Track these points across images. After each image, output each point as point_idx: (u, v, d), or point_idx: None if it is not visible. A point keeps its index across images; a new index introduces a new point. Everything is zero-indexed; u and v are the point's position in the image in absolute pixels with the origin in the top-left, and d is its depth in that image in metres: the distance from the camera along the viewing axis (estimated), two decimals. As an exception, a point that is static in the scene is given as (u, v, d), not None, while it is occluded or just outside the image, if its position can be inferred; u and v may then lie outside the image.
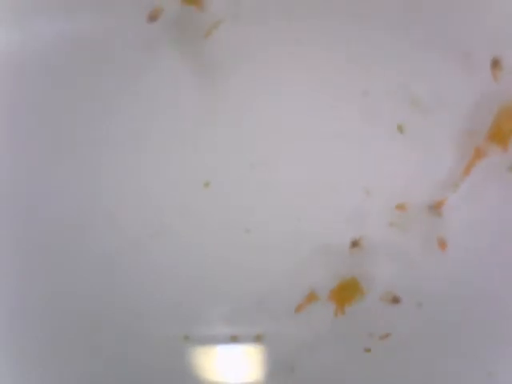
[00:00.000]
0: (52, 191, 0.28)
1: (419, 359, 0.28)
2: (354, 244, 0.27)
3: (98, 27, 0.28)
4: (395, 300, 0.27)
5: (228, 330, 0.28)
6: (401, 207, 0.27)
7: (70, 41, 0.28)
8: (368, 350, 0.27)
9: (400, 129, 0.27)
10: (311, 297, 0.27)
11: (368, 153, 0.27)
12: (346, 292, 0.27)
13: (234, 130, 0.28)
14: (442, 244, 0.27)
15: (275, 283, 0.27)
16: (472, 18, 0.27)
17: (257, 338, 0.28)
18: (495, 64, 0.27)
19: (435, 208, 0.27)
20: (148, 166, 0.28)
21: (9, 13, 0.28)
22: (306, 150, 0.28)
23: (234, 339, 0.28)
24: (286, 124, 0.28)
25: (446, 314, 0.27)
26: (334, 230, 0.27)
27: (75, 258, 0.27)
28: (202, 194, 0.27)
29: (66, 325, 0.27)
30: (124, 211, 0.28)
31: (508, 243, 0.27)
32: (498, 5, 0.27)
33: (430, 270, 0.27)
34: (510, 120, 0.27)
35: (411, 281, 0.27)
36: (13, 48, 0.28)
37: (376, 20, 0.27)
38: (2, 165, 0.28)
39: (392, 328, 0.27)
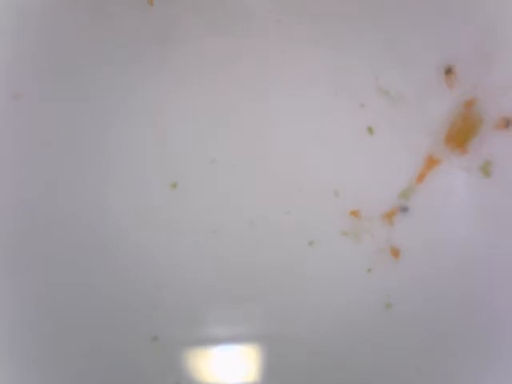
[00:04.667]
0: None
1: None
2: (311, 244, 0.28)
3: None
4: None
5: (224, 330, 0.28)
6: (355, 214, 0.28)
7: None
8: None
9: (370, 131, 0.28)
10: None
11: (336, 153, 0.28)
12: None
13: (200, 129, 0.28)
14: (395, 252, 0.28)
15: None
16: (426, 25, 0.28)
17: (254, 339, 0.28)
18: (448, 71, 0.27)
19: (388, 216, 0.28)
20: (114, 169, 0.28)
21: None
22: (277, 150, 0.28)
23: (231, 340, 0.28)
24: (255, 123, 0.28)
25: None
26: (294, 232, 0.28)
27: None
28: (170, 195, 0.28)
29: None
30: (97, 213, 0.28)
31: (462, 252, 0.27)
32: (452, 14, 0.28)
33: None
34: (466, 122, 0.27)
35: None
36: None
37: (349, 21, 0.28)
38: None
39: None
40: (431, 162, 0.27)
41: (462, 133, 0.27)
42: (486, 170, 0.27)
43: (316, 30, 0.28)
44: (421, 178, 0.27)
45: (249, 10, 0.28)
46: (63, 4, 0.28)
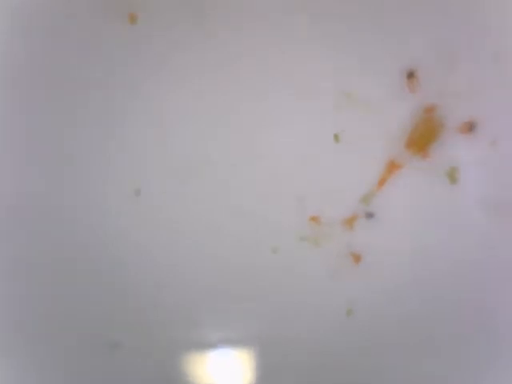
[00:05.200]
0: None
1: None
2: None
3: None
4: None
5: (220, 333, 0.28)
6: (315, 220, 0.28)
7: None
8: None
9: (336, 140, 0.28)
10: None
11: (302, 161, 0.28)
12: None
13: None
14: (356, 258, 0.28)
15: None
16: (387, 30, 0.28)
17: (254, 338, 0.28)
18: (410, 75, 0.27)
19: (349, 222, 0.28)
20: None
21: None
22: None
23: (230, 339, 0.28)
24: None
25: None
26: (255, 240, 0.28)
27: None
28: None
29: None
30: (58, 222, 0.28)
31: (423, 256, 0.28)
32: (412, 19, 0.28)
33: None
34: (427, 126, 0.27)
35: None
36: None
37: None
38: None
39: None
40: (393, 167, 0.28)
41: (423, 137, 0.27)
42: (452, 175, 0.27)
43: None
44: (382, 182, 0.28)
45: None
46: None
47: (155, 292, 0.28)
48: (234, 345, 0.28)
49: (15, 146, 0.28)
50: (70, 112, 0.28)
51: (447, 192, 0.27)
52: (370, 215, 0.28)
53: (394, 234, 0.28)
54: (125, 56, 0.28)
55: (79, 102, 0.28)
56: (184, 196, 0.28)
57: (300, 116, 0.28)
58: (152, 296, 0.28)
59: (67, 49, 0.28)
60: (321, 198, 0.28)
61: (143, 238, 0.28)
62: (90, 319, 0.28)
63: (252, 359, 0.28)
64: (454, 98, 0.27)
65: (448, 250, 0.27)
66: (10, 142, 0.28)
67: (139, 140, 0.28)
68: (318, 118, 0.28)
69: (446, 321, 0.27)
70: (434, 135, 0.27)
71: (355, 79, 0.28)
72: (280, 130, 0.28)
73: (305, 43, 0.28)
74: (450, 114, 0.27)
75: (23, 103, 0.28)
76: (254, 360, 0.28)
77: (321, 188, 0.28)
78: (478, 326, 0.27)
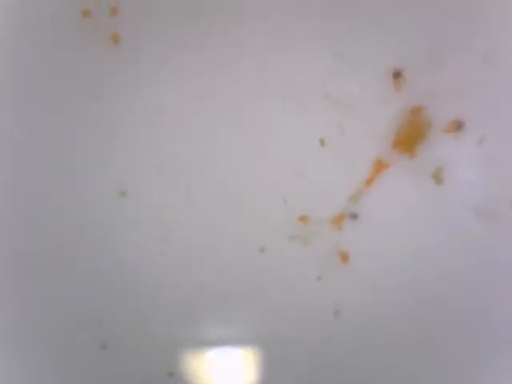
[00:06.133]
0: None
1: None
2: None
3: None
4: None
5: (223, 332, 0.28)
6: (303, 219, 0.28)
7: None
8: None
9: (321, 142, 0.28)
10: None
11: (288, 163, 0.28)
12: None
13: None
14: (344, 257, 0.28)
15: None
16: (374, 29, 0.28)
17: (254, 339, 0.28)
18: (397, 75, 0.27)
19: (337, 221, 0.28)
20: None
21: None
22: (226, 159, 0.28)
23: (230, 340, 0.28)
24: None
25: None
26: (244, 241, 0.28)
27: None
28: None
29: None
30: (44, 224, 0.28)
31: (410, 256, 0.28)
32: (400, 20, 0.28)
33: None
34: (414, 126, 0.27)
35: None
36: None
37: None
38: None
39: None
40: (380, 166, 0.28)
41: (410, 137, 0.27)
42: (437, 177, 0.27)
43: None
44: (369, 182, 0.28)
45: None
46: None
47: (155, 292, 0.28)
48: (233, 344, 0.28)
49: (15, 146, 0.28)
50: (70, 112, 0.28)
51: (434, 192, 0.27)
52: (357, 215, 0.28)
53: (382, 233, 0.28)
54: (125, 56, 0.28)
55: (79, 102, 0.28)
56: (184, 196, 0.28)
57: (289, 116, 0.28)
58: (152, 296, 0.28)
59: (67, 49, 0.28)
60: (309, 198, 0.28)
61: (143, 237, 0.28)
62: (89, 319, 0.28)
63: (249, 359, 0.28)
64: (441, 97, 0.27)
65: (438, 250, 0.28)
66: (10, 144, 0.28)
67: (139, 140, 0.28)
68: (308, 118, 0.28)
69: (443, 321, 0.28)
70: (421, 135, 0.27)
71: (343, 79, 0.28)
72: (277, 130, 0.28)
73: (305, 43, 0.28)
74: (437, 113, 0.27)
75: (23, 103, 0.28)
76: (252, 359, 0.28)
77: (309, 187, 0.28)
78: (477, 326, 0.27)
